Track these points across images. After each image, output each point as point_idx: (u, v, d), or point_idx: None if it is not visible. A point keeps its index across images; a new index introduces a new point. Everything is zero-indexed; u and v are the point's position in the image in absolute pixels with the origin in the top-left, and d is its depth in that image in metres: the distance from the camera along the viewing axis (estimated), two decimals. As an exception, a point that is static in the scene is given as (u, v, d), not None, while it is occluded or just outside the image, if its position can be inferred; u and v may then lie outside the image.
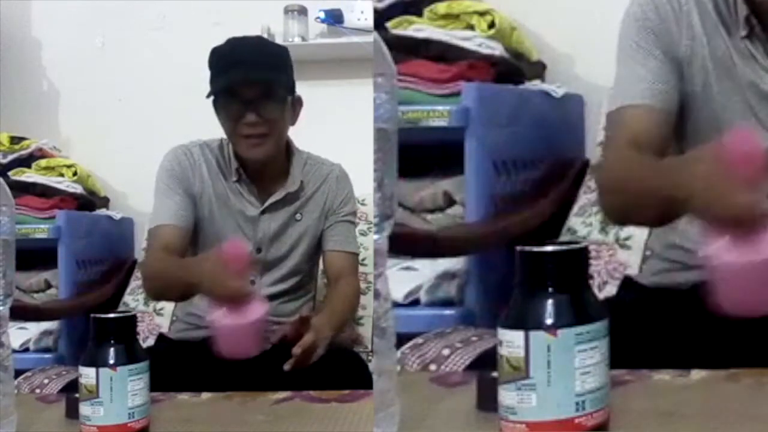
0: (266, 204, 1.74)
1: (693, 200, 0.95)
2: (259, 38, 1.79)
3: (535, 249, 0.77)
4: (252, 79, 1.65)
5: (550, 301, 0.75)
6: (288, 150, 1.78)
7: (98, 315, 1.02)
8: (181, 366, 1.56)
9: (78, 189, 2.63)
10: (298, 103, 1.75)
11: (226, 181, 1.75)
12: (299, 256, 1.78)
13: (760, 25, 1.21)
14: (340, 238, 1.79)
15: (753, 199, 0.88)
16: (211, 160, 1.76)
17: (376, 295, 0.82)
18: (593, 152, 2.11)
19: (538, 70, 2.17)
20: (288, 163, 1.77)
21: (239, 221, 1.74)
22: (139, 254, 2.55)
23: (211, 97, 1.67)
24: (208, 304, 1.51)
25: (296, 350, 1.52)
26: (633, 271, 1.80)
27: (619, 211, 1.26)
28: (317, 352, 1.56)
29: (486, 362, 1.56)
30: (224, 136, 1.74)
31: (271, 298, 1.76)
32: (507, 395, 0.76)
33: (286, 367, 1.52)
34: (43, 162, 2.60)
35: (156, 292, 1.76)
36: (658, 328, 1.25)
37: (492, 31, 1.99)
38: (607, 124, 1.32)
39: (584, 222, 1.96)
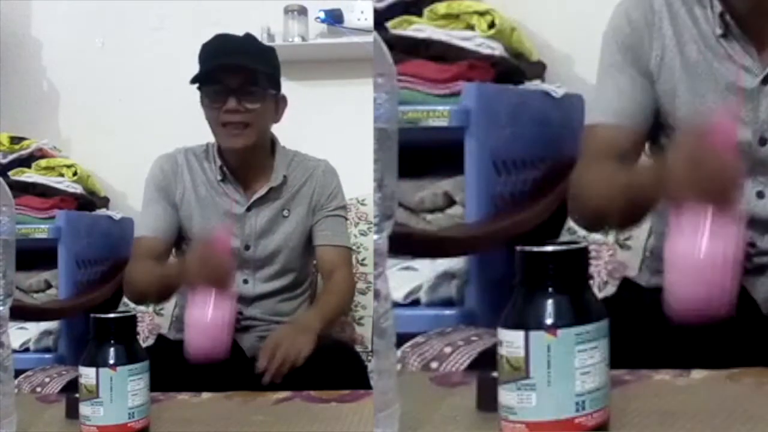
0: (251, 200, 1.76)
1: (668, 182, 1.01)
2: (246, 34, 1.81)
3: (535, 249, 0.77)
4: (235, 66, 1.68)
5: (550, 301, 0.75)
6: (272, 147, 1.80)
7: (98, 315, 1.02)
8: (181, 366, 1.56)
9: (78, 189, 2.63)
10: (282, 101, 1.78)
11: (210, 183, 1.77)
12: (289, 252, 1.79)
13: (734, 21, 1.22)
14: (329, 232, 1.81)
15: (728, 172, 0.97)
16: (194, 165, 1.79)
17: (376, 295, 0.82)
18: (593, 152, 2.11)
19: (538, 70, 2.17)
20: (272, 160, 1.79)
21: (225, 220, 1.76)
22: (139, 254, 2.54)
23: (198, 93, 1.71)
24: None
25: (262, 363, 1.56)
26: (633, 271, 1.80)
27: (589, 217, 1.34)
28: (300, 354, 1.58)
29: (484, 361, 1.56)
30: (212, 140, 1.77)
31: (267, 296, 1.78)
32: (507, 395, 0.76)
33: (265, 380, 1.55)
34: (43, 162, 2.60)
35: (136, 294, 1.83)
36: (657, 328, 1.25)
37: (492, 31, 1.98)
38: (585, 136, 1.37)
39: (584, 222, 1.96)
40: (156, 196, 1.79)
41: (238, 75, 1.68)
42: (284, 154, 1.81)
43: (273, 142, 1.81)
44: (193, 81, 1.70)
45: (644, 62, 1.29)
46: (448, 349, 1.63)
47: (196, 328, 1.45)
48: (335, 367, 1.58)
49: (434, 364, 1.59)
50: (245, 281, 1.78)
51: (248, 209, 1.76)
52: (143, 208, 1.82)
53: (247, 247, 1.77)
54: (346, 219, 1.89)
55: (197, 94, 1.71)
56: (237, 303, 1.75)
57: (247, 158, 1.75)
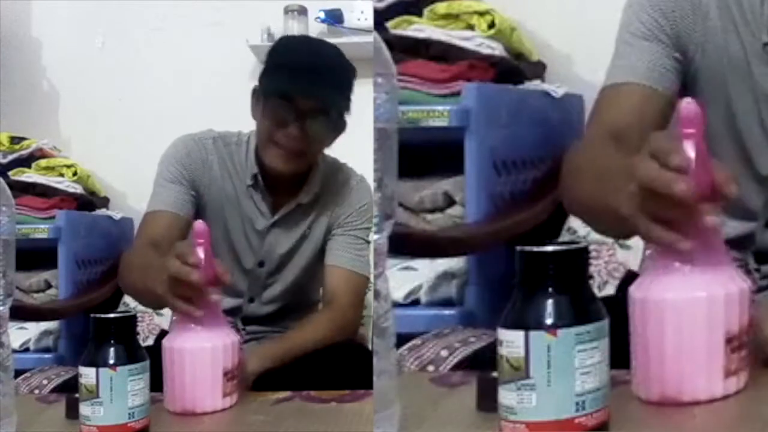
0: (276, 217, 1.62)
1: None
2: (335, 50, 1.59)
3: (535, 249, 0.77)
4: (314, 95, 1.51)
5: (550, 301, 0.75)
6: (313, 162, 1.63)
7: (98, 315, 1.02)
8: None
9: (78, 189, 2.63)
10: (343, 126, 1.58)
11: (240, 183, 1.61)
12: (304, 273, 1.66)
13: None
14: (339, 252, 1.62)
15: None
16: (224, 157, 1.62)
17: (376, 295, 0.82)
18: (593, 152, 2.11)
19: (538, 70, 2.17)
20: (308, 172, 1.62)
21: (247, 229, 1.62)
22: (139, 254, 2.55)
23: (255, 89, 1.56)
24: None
25: None
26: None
27: (574, 208, 1.20)
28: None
29: (476, 361, 1.56)
30: (238, 130, 1.64)
31: (271, 315, 1.68)
32: (507, 395, 0.76)
33: None
34: (43, 162, 2.60)
35: (130, 291, 1.59)
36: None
37: (492, 31, 1.99)
38: (599, 99, 1.22)
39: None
40: (179, 173, 1.57)
41: (313, 100, 1.51)
42: (322, 167, 1.63)
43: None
44: (264, 90, 1.53)
45: (684, 37, 1.17)
46: (444, 353, 1.63)
47: (172, 372, 1.14)
48: (344, 364, 1.48)
49: (431, 368, 1.58)
50: (251, 300, 1.66)
51: (272, 225, 1.62)
52: (159, 183, 1.58)
53: (261, 264, 1.63)
54: (367, 242, 1.64)
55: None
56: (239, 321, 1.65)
57: (287, 177, 1.59)
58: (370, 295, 2.00)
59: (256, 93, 1.57)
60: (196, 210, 1.59)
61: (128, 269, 1.51)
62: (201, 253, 1.15)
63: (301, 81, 1.50)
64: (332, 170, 1.66)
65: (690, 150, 0.80)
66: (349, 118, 1.57)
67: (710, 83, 1.19)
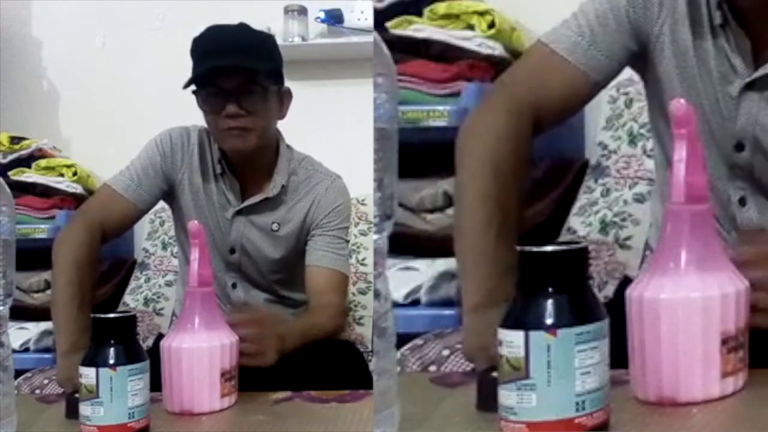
0: (241, 206, 1.64)
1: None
2: (240, 25, 1.66)
3: (535, 249, 0.77)
4: (230, 68, 1.54)
5: (550, 301, 0.75)
6: (277, 149, 1.66)
7: (98, 315, 1.02)
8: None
9: (78, 189, 2.63)
10: (286, 94, 1.64)
11: (209, 174, 1.65)
12: (278, 266, 1.67)
13: (732, 13, 1.12)
14: (321, 252, 1.64)
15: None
16: (205, 146, 1.66)
17: (376, 295, 0.82)
18: (593, 152, 2.11)
19: (538, 70, 2.16)
20: (275, 162, 1.65)
21: (218, 217, 1.66)
22: (139, 254, 2.55)
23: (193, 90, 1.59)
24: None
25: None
26: (633, 271, 1.80)
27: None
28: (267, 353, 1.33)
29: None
30: None
31: (260, 303, 1.70)
32: (507, 395, 0.76)
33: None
34: (43, 162, 2.60)
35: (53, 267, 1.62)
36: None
37: (492, 31, 1.99)
38: (526, 52, 1.23)
39: (584, 222, 1.96)
40: (156, 162, 1.64)
41: (236, 75, 1.54)
42: (288, 158, 1.66)
43: (278, 142, 1.67)
44: (187, 85, 1.57)
45: (644, 31, 1.18)
46: (446, 352, 1.63)
47: (170, 372, 1.16)
48: (338, 365, 1.50)
49: (433, 368, 1.58)
50: (234, 285, 1.69)
51: (238, 213, 1.64)
52: (135, 161, 1.65)
53: (232, 251, 1.66)
54: (347, 241, 1.70)
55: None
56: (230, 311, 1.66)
57: (248, 158, 1.62)
58: (369, 295, 2.00)
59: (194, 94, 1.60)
60: (171, 198, 1.68)
61: (60, 245, 1.60)
62: (196, 253, 1.18)
63: (215, 61, 1.54)
64: (305, 165, 1.69)
65: (683, 150, 0.81)
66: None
67: (664, 72, 1.19)
